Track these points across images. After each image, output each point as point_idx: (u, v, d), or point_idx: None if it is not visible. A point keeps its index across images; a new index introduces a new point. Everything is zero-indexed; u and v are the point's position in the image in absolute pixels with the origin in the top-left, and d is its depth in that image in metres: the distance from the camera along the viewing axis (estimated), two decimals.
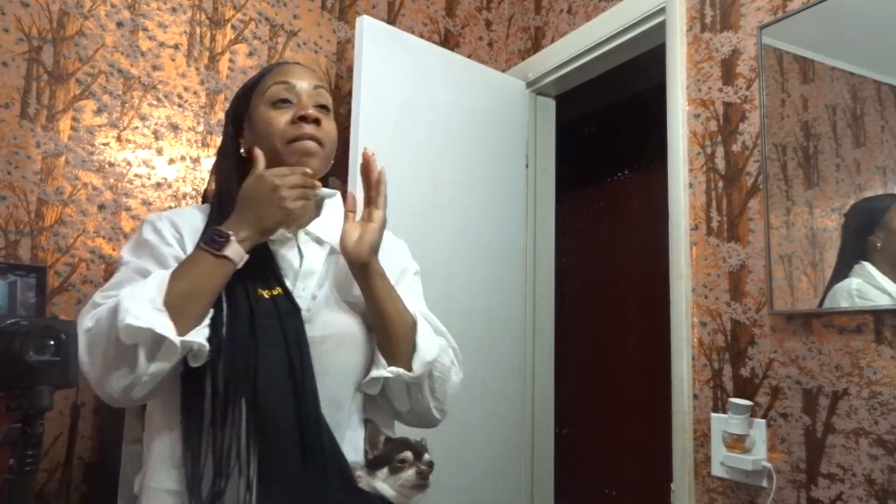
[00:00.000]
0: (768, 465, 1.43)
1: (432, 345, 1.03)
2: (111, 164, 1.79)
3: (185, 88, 1.92)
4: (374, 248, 1.02)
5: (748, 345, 1.53)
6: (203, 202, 1.16)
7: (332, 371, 1.00)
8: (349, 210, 1.05)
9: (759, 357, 1.50)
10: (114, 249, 1.77)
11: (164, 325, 0.85)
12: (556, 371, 2.36)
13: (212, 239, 0.93)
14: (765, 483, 1.44)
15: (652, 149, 2.54)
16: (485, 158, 2.22)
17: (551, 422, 2.33)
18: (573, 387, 2.90)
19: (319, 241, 1.08)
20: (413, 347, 1.01)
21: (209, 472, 0.89)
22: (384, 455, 0.98)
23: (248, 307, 0.95)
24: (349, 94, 2.03)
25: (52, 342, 0.71)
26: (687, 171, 1.73)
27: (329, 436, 0.94)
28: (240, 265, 0.94)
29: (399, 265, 1.16)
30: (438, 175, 2.07)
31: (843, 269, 1.35)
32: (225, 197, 1.05)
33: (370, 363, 1.03)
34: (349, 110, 1.93)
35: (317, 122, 1.05)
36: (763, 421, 1.47)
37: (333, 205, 1.14)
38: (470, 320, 2.08)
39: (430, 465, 0.99)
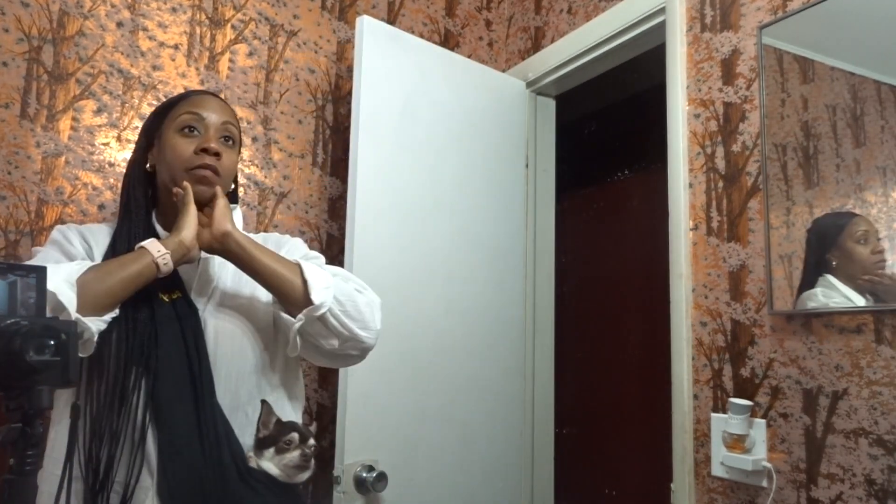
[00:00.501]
0: (768, 465, 1.43)
1: (322, 276, 1.12)
2: (111, 164, 1.79)
3: (185, 88, 1.92)
4: (225, 220, 1.13)
5: (748, 345, 1.53)
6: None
7: (227, 361, 1.11)
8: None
9: (759, 357, 1.50)
10: None
11: (67, 296, 0.92)
12: (556, 371, 2.36)
13: (152, 244, 1.05)
14: (765, 483, 1.44)
15: (652, 149, 2.54)
16: (485, 158, 2.22)
17: (551, 422, 2.33)
18: (573, 387, 2.90)
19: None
20: (305, 284, 1.10)
21: (104, 455, 0.97)
22: (272, 436, 1.07)
23: (150, 308, 1.06)
24: (349, 94, 2.03)
25: (52, 342, 0.71)
26: (687, 170, 1.73)
27: (223, 420, 1.05)
28: (162, 275, 1.05)
29: (296, 255, 1.25)
30: (438, 175, 2.07)
31: (809, 280, 1.41)
32: (131, 204, 1.18)
33: (267, 348, 1.16)
34: (349, 110, 1.93)
35: (217, 155, 1.16)
36: (763, 421, 1.47)
37: (235, 215, 1.25)
38: (470, 320, 2.08)
39: (314, 448, 1.09)
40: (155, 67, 1.88)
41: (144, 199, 1.20)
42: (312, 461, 1.09)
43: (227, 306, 1.16)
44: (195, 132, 1.18)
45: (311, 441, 1.09)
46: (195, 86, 1.95)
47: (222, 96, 1.98)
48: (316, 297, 1.08)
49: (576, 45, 2.17)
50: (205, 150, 1.15)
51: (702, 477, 1.59)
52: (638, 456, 2.75)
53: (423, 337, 1.94)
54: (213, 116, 1.19)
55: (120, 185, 1.80)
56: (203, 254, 1.16)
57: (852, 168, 1.37)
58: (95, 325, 0.97)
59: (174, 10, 1.93)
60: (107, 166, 1.78)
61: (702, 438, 1.60)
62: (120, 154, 1.81)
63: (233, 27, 2.01)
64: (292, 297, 1.10)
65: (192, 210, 1.11)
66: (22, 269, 0.75)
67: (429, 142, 2.04)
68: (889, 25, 1.34)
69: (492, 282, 2.17)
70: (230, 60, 2.00)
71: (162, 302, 1.08)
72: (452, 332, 2.03)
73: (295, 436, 1.08)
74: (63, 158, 1.72)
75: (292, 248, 1.29)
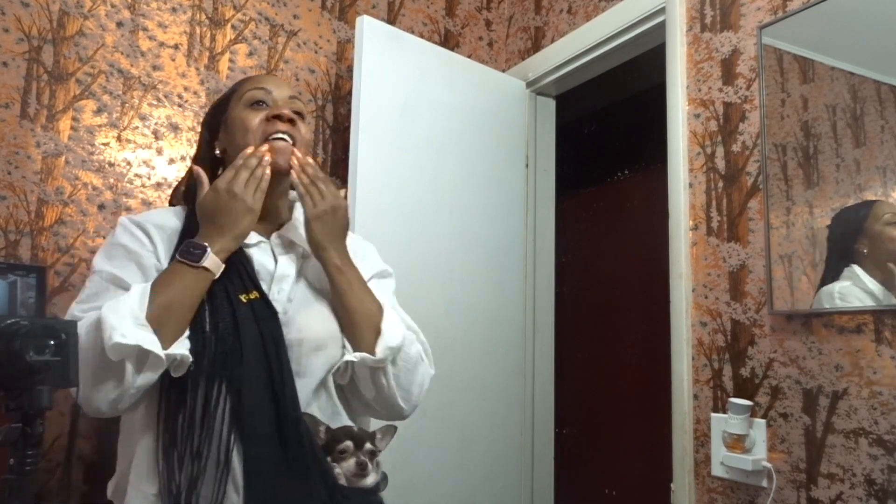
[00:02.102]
0: (768, 465, 1.43)
1: (397, 332, 1.05)
2: (111, 164, 1.79)
3: (185, 88, 1.92)
4: (343, 233, 1.07)
5: (748, 345, 1.53)
6: (171, 204, 1.19)
7: (309, 373, 1.02)
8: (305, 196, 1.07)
9: (759, 357, 1.50)
10: None
11: (150, 341, 0.87)
12: (556, 371, 2.36)
13: (189, 251, 0.95)
14: (765, 483, 1.44)
15: (652, 149, 2.54)
16: (485, 158, 2.22)
17: (551, 422, 2.33)
18: (573, 387, 2.90)
19: (291, 244, 1.11)
20: (378, 333, 1.03)
21: (187, 473, 0.90)
22: (326, 445, 1.00)
23: (231, 311, 0.97)
24: (349, 93, 2.03)
25: (52, 342, 0.71)
26: (687, 171, 1.73)
27: (309, 437, 0.97)
28: (217, 275, 0.96)
29: (369, 269, 1.18)
30: (438, 175, 2.07)
31: (831, 274, 1.38)
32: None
33: (339, 355, 1.06)
34: (349, 110, 1.93)
35: (291, 121, 1.08)
36: (763, 421, 1.47)
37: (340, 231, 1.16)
38: (470, 320, 2.08)
39: (372, 453, 1.01)
40: (155, 67, 1.88)
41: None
42: (371, 465, 1.00)
43: (308, 307, 1.06)
44: (264, 105, 1.09)
45: (368, 445, 1.01)
46: (195, 86, 1.95)
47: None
48: (380, 352, 1.02)
49: (576, 45, 2.17)
50: (277, 117, 1.07)
51: (702, 477, 1.59)
52: (638, 456, 2.75)
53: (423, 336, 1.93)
54: (280, 91, 1.11)
55: (120, 185, 1.81)
56: (280, 248, 1.09)
57: (852, 168, 1.37)
58: (183, 345, 0.92)
59: (174, 10, 1.93)
60: (107, 166, 1.78)
61: (702, 438, 1.60)
62: (120, 154, 1.81)
63: (233, 27, 2.01)
64: (358, 336, 1.03)
65: (221, 188, 0.98)
66: (22, 269, 0.74)
67: (429, 142, 2.04)
68: (889, 25, 1.34)
69: (492, 282, 2.17)
70: (230, 60, 2.00)
71: (240, 303, 0.98)
72: (452, 332, 2.03)
73: (349, 443, 1.00)
74: (63, 158, 1.72)
75: (367, 257, 1.20)
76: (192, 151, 1.93)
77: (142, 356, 0.87)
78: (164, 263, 1.00)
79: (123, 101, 1.82)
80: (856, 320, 1.33)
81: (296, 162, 1.06)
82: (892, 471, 1.25)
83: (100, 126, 1.78)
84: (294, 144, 1.07)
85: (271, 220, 1.12)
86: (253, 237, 1.06)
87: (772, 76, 1.53)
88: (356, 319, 1.04)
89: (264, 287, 1.03)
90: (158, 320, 0.89)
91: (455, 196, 2.10)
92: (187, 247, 0.96)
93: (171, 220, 1.09)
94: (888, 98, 1.33)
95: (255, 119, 1.07)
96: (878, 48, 1.37)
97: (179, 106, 1.91)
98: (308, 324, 1.03)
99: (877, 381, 1.29)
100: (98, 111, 1.78)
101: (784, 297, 1.45)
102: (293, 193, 1.14)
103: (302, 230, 1.10)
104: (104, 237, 1.77)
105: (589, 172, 3.17)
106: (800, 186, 1.45)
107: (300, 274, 1.09)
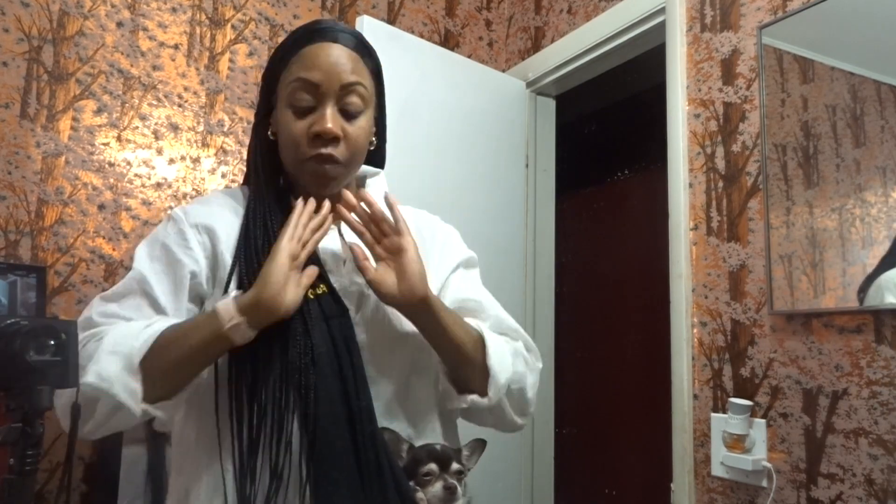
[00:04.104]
0: (768, 464, 1.43)
1: (505, 362, 0.93)
2: (111, 164, 1.79)
3: (185, 88, 1.92)
4: (423, 279, 0.89)
5: (748, 345, 1.53)
6: (244, 183, 1.05)
7: (385, 377, 0.91)
8: (362, 260, 0.89)
9: (759, 357, 1.50)
10: (113, 249, 1.77)
11: (129, 391, 0.79)
12: (556, 371, 2.36)
13: (224, 311, 0.81)
14: (765, 483, 1.44)
15: (652, 149, 2.54)
16: (485, 158, 2.22)
17: (551, 422, 2.33)
18: (573, 387, 2.90)
19: None
20: (486, 373, 0.91)
21: (262, 493, 0.82)
22: (408, 467, 0.89)
23: (300, 311, 0.85)
24: None
25: (52, 342, 0.71)
26: (687, 171, 1.73)
27: (384, 449, 0.87)
28: (244, 334, 0.82)
29: (454, 258, 1.06)
30: (438, 175, 2.07)
31: (889, 261, 1.28)
32: (260, 178, 0.96)
33: (427, 359, 0.95)
34: None
35: (336, 139, 0.91)
36: (763, 421, 1.47)
37: (376, 185, 1.05)
38: None
39: (460, 473, 0.91)
40: (155, 67, 1.88)
41: (272, 171, 0.96)
42: (460, 489, 0.90)
43: (380, 302, 0.92)
44: (308, 108, 0.91)
45: (454, 465, 0.91)
46: (195, 86, 1.94)
47: (222, 97, 1.98)
48: (494, 395, 0.91)
49: (576, 45, 2.17)
50: (318, 136, 0.90)
51: (702, 477, 1.59)
52: (638, 456, 2.75)
53: None
54: (328, 81, 0.91)
55: (120, 185, 1.81)
56: (347, 235, 0.95)
57: (852, 168, 1.37)
58: (164, 411, 0.83)
59: (174, 10, 1.92)
60: (107, 166, 1.78)
61: (702, 438, 1.60)
62: (120, 154, 1.81)
63: (233, 27, 2.01)
64: (465, 377, 0.93)
65: (284, 252, 0.84)
66: (22, 269, 0.74)
67: (429, 142, 2.04)
68: (889, 25, 1.34)
69: (492, 282, 2.16)
70: (230, 60, 2.00)
71: (307, 300, 0.86)
72: None
73: (432, 466, 0.89)
74: (63, 158, 1.72)
75: (448, 244, 1.08)
76: (192, 152, 1.94)
77: (115, 406, 0.80)
78: (205, 272, 0.91)
79: (123, 101, 1.82)
80: (856, 320, 1.33)
81: (346, 216, 0.92)
82: (892, 471, 1.25)
83: (100, 126, 1.78)
84: (341, 164, 0.92)
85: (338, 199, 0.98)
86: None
87: (772, 76, 1.53)
88: (460, 359, 0.92)
89: (333, 280, 0.91)
90: (153, 372, 0.81)
91: (455, 196, 2.10)
92: (227, 304, 0.82)
93: (227, 203, 0.97)
94: (888, 98, 1.33)
95: (298, 128, 0.91)
96: (878, 48, 1.37)
97: (179, 106, 1.91)
98: (383, 322, 0.92)
99: (877, 381, 1.29)
100: (98, 111, 1.78)
101: (784, 297, 1.45)
102: (366, 168, 1.03)
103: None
104: (104, 237, 1.77)
105: (589, 172, 3.17)
106: (800, 186, 1.45)
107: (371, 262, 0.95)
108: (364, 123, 0.95)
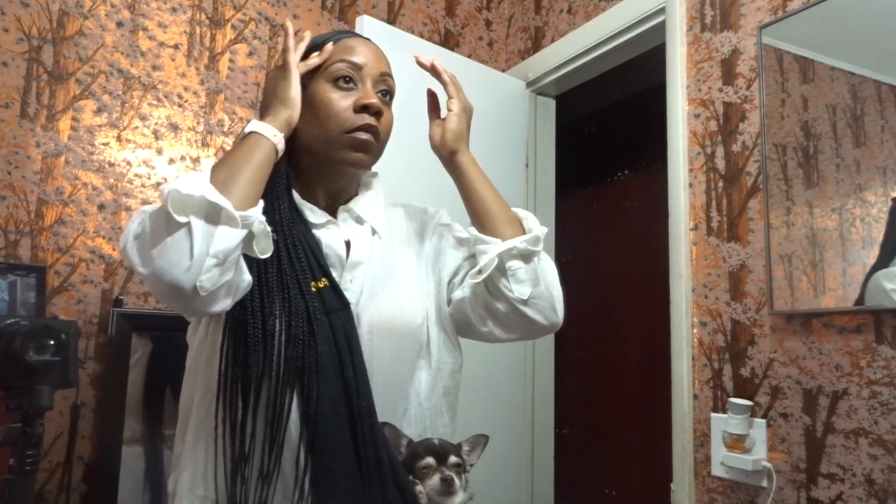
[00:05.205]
0: (768, 464, 1.43)
1: (536, 221, 1.01)
2: (111, 164, 1.79)
3: (185, 88, 1.92)
4: (458, 135, 1.08)
5: (748, 345, 1.53)
6: None
7: (384, 368, 0.92)
8: (431, 109, 1.11)
9: (759, 357, 1.50)
10: (113, 249, 1.77)
11: (216, 195, 0.75)
12: (556, 371, 2.36)
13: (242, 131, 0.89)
14: (765, 483, 1.44)
15: (652, 149, 2.54)
16: (485, 158, 2.18)
17: (551, 422, 2.33)
18: (573, 387, 2.90)
19: (360, 220, 1.02)
20: (516, 223, 1.00)
21: (253, 480, 0.82)
22: (407, 462, 0.90)
23: (303, 304, 0.86)
24: None
25: (52, 342, 0.71)
26: (687, 171, 1.73)
27: (384, 443, 0.87)
28: (278, 145, 0.88)
29: (447, 234, 1.15)
30: (438, 175, 2.06)
31: (886, 258, 1.30)
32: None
33: (428, 351, 0.99)
34: None
35: (378, 113, 0.97)
36: (763, 421, 1.47)
37: (374, 185, 1.11)
38: None
39: (458, 466, 0.92)
40: (155, 67, 1.88)
41: (285, 165, 0.96)
42: (459, 481, 0.91)
43: (380, 296, 0.95)
44: (351, 84, 0.97)
45: (452, 458, 0.92)
46: (195, 86, 1.94)
47: (222, 97, 1.98)
48: (531, 229, 0.97)
49: (576, 45, 2.17)
50: (365, 108, 0.95)
51: (702, 477, 1.59)
52: (638, 456, 2.75)
53: None
54: (370, 65, 0.98)
55: (120, 185, 1.81)
56: (350, 228, 0.99)
57: (852, 168, 1.37)
58: (257, 212, 0.79)
59: (174, 10, 1.93)
60: (107, 166, 1.78)
61: (702, 438, 1.60)
62: (120, 154, 1.81)
63: (233, 27, 2.01)
64: (497, 227, 0.98)
65: (297, 74, 0.93)
66: (22, 269, 0.74)
67: (429, 142, 2.04)
68: (889, 25, 1.34)
69: None
70: (230, 60, 2.00)
71: (310, 292, 0.88)
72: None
73: (430, 459, 0.90)
74: (63, 158, 1.72)
75: (441, 223, 1.16)
76: (192, 152, 1.94)
77: (210, 212, 0.75)
78: None
79: (123, 101, 1.82)
80: (856, 320, 1.33)
81: (437, 62, 1.07)
82: (892, 471, 1.25)
83: (100, 126, 1.78)
84: (377, 139, 0.98)
85: (341, 199, 1.03)
86: (320, 216, 0.97)
87: (772, 76, 1.53)
88: (490, 208, 1.01)
89: (334, 274, 0.93)
90: (223, 183, 0.78)
91: (455, 196, 2.09)
92: (263, 126, 0.88)
93: None
94: (888, 98, 1.33)
95: (342, 104, 0.95)
96: (878, 48, 1.37)
97: (179, 106, 1.91)
98: (381, 314, 0.94)
99: (877, 381, 1.29)
100: (98, 111, 1.78)
101: (784, 297, 1.45)
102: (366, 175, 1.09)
103: (371, 207, 1.03)
104: (104, 237, 1.77)
105: (589, 172, 3.17)
106: (800, 186, 1.45)
107: (372, 258, 0.99)
108: (391, 114, 1.05)
